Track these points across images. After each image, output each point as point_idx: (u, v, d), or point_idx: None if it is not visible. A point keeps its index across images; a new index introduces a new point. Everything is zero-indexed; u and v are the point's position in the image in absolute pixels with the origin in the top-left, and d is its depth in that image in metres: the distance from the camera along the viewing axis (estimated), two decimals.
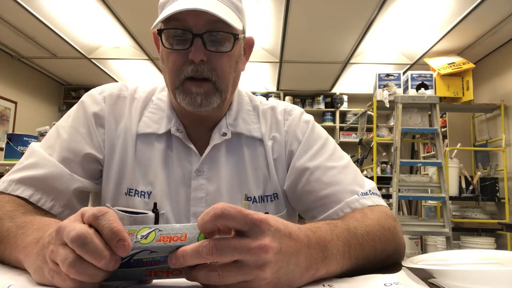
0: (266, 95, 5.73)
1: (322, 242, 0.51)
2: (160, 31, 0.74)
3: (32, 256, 0.49)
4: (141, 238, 0.43)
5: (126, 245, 0.42)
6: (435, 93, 3.52)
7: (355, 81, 5.37)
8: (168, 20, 0.71)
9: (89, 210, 0.44)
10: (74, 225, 0.43)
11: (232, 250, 0.42)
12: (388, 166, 5.67)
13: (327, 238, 0.53)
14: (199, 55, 0.71)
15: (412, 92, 3.44)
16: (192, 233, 0.44)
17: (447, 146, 4.34)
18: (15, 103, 5.02)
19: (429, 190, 3.33)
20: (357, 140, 4.12)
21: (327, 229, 0.54)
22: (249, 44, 0.85)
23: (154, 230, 0.44)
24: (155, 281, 0.50)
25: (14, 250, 0.55)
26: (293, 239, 0.46)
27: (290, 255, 0.45)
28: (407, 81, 3.51)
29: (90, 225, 0.44)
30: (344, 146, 5.38)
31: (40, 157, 0.73)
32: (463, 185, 3.66)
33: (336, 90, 5.91)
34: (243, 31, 0.79)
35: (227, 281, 0.43)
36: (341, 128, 5.86)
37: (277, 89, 5.89)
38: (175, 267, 0.44)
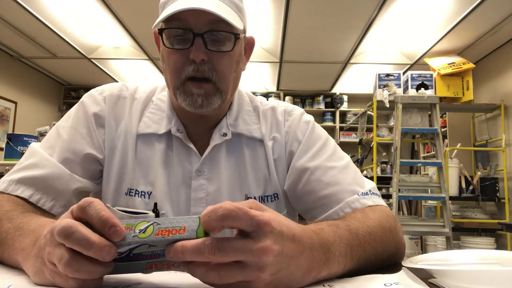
0: (266, 95, 5.74)
1: (325, 244, 0.51)
2: (161, 31, 0.74)
3: (31, 258, 0.49)
4: (139, 232, 0.43)
5: (119, 230, 0.42)
6: (435, 93, 3.53)
7: (355, 81, 5.38)
8: (169, 19, 0.71)
9: (75, 204, 0.45)
10: (60, 221, 0.43)
11: (234, 251, 0.42)
12: (388, 166, 5.67)
13: (330, 240, 0.52)
14: (200, 54, 0.71)
15: (412, 92, 3.44)
16: (191, 226, 0.43)
17: (447, 146, 4.34)
18: (15, 103, 5.02)
19: (429, 190, 3.33)
20: (357, 140, 4.12)
21: (330, 231, 0.54)
22: (250, 44, 0.85)
23: (152, 223, 0.44)
24: (155, 281, 0.50)
25: (12, 252, 0.55)
26: (295, 242, 0.46)
27: (291, 258, 0.45)
28: (407, 81, 3.51)
29: (81, 219, 0.44)
30: (344, 146, 5.38)
31: (40, 157, 0.73)
32: (463, 185, 3.66)
33: (336, 90, 5.91)
34: (244, 31, 0.79)
35: (227, 281, 0.42)
36: (341, 128, 5.86)
37: (277, 89, 5.89)
38: (172, 260, 0.44)
